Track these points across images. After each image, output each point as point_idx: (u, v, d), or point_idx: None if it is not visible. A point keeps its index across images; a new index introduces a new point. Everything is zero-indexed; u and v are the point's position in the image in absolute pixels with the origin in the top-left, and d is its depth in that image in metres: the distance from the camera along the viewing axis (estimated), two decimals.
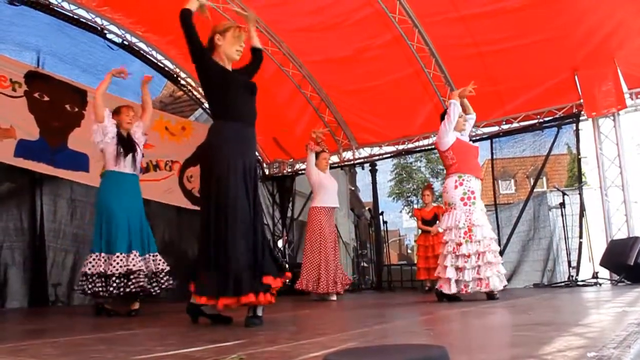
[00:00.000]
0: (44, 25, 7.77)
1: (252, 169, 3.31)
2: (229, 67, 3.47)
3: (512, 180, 22.38)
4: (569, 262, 7.31)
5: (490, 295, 4.97)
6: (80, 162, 7.42)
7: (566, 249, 7.46)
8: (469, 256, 4.85)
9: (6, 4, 7.15)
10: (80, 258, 7.21)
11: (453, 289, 4.86)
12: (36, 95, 7.07)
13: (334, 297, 6.60)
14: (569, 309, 3.88)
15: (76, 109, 7.51)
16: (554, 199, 8.27)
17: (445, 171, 5.41)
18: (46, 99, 7.18)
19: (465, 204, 4.98)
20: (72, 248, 7.46)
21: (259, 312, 3.16)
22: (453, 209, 5.04)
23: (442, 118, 5.22)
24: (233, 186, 3.11)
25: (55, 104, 7.29)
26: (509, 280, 7.98)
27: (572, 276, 7.16)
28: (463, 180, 5.04)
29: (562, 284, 7.25)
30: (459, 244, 4.89)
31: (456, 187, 5.04)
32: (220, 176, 3.13)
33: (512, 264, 8.19)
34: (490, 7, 6.98)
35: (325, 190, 6.78)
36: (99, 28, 8.42)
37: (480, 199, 5.12)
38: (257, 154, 3.01)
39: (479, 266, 4.83)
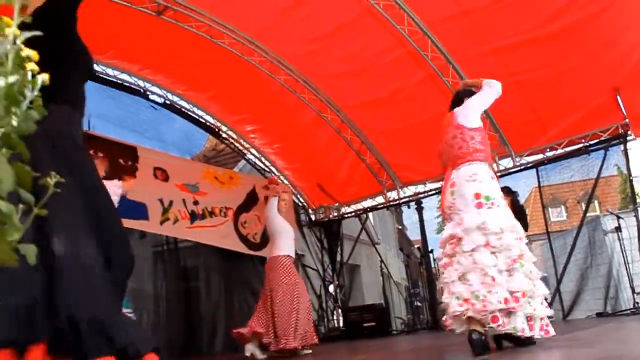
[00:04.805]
0: (91, 91, 8.12)
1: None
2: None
3: (563, 207, 21.82)
4: (632, 288, 7.03)
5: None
6: (139, 211, 7.69)
7: (627, 275, 7.18)
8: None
9: None
10: (140, 313, 7.39)
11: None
12: (91, 152, 7.38)
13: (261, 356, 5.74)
14: (638, 340, 3.72)
15: (129, 162, 7.81)
16: (609, 223, 8.01)
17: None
18: (101, 155, 7.49)
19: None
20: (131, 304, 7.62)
21: None
22: (495, 204, 3.65)
23: (457, 103, 4.21)
24: None
25: (110, 159, 7.58)
26: (569, 311, 7.72)
27: (638, 303, 6.86)
28: (493, 174, 3.87)
29: (628, 311, 6.95)
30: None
31: (492, 177, 3.81)
32: None
33: (571, 293, 7.91)
34: (522, 37, 6.95)
35: (286, 235, 6.28)
36: (142, 90, 8.77)
37: None
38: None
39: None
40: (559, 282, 7.86)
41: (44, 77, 0.64)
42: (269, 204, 6.38)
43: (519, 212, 6.81)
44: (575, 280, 7.98)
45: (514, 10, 6.70)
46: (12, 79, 0.54)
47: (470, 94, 4.15)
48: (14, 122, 0.57)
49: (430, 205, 9.84)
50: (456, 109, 4.06)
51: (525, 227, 6.95)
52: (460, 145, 3.83)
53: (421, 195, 9.51)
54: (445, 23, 7.14)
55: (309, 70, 8.45)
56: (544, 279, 8.42)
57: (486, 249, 3.47)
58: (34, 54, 0.62)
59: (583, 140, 7.81)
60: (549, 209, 15.96)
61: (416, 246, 14.63)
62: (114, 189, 4.77)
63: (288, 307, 5.71)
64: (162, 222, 8.10)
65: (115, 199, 4.75)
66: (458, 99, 4.22)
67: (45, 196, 0.72)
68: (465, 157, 3.78)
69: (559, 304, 7.69)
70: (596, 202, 15.09)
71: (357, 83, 8.25)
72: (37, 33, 0.61)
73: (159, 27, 7.52)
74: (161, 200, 8.14)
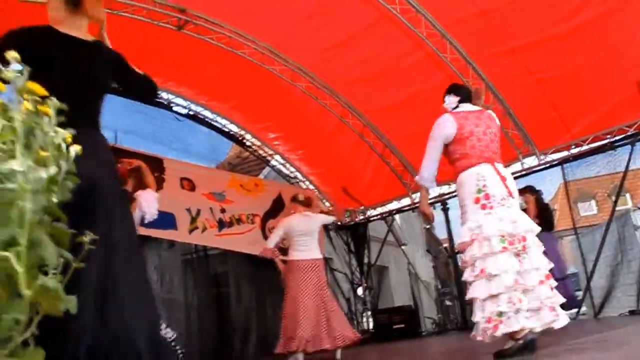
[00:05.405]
0: (118, 106, 8.37)
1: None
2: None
3: (593, 201, 21.39)
4: None
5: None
6: (168, 221, 7.86)
7: None
8: None
9: None
10: (171, 322, 7.55)
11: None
12: (119, 165, 7.55)
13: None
14: None
15: (156, 174, 7.98)
16: (639, 218, 7.87)
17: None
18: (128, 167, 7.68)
19: None
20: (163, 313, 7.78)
21: None
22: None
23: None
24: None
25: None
26: (600, 309, 7.62)
27: None
28: None
29: None
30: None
31: None
32: None
33: (602, 290, 7.81)
34: (540, 35, 6.89)
35: None
36: (166, 102, 8.95)
37: None
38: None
39: None
40: (589, 279, 7.76)
41: (76, 149, 0.71)
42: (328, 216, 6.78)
43: (544, 210, 6.79)
44: (606, 277, 7.87)
45: (531, 9, 6.66)
46: (52, 170, 0.62)
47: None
48: (54, 199, 0.64)
49: (456, 205, 9.81)
50: (492, 113, 4.25)
51: (551, 226, 6.91)
52: (499, 145, 4.02)
53: (446, 196, 9.48)
54: (462, 24, 7.14)
55: (330, 77, 8.52)
56: (575, 275, 8.32)
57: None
58: (68, 135, 0.70)
59: (608, 136, 7.71)
60: (578, 204, 15.73)
61: (444, 246, 14.56)
62: (152, 198, 4.88)
63: (336, 302, 6.02)
64: (190, 231, 8.26)
65: (154, 210, 4.86)
66: (470, 97, 4.37)
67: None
68: (500, 157, 3.98)
69: (590, 301, 7.61)
70: (627, 195, 14.80)
71: (378, 87, 8.29)
72: (72, 131, 0.69)
73: (181, 40, 7.67)
74: (189, 210, 8.30)
